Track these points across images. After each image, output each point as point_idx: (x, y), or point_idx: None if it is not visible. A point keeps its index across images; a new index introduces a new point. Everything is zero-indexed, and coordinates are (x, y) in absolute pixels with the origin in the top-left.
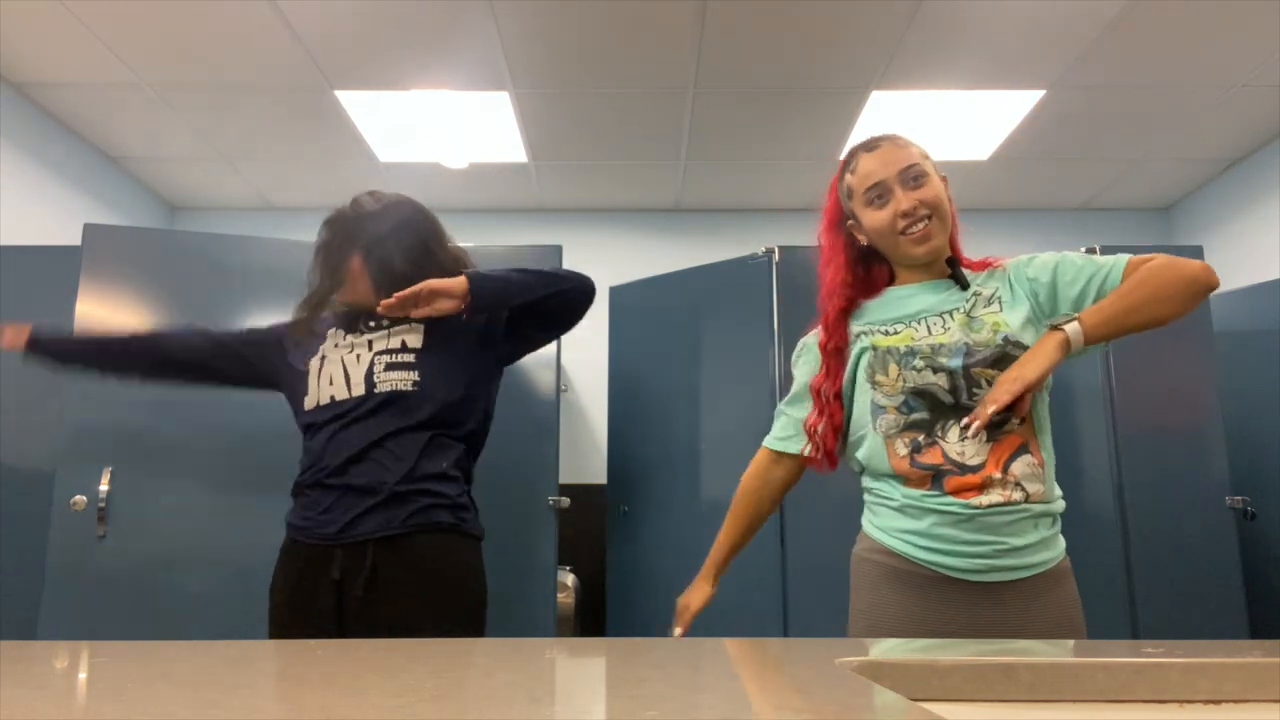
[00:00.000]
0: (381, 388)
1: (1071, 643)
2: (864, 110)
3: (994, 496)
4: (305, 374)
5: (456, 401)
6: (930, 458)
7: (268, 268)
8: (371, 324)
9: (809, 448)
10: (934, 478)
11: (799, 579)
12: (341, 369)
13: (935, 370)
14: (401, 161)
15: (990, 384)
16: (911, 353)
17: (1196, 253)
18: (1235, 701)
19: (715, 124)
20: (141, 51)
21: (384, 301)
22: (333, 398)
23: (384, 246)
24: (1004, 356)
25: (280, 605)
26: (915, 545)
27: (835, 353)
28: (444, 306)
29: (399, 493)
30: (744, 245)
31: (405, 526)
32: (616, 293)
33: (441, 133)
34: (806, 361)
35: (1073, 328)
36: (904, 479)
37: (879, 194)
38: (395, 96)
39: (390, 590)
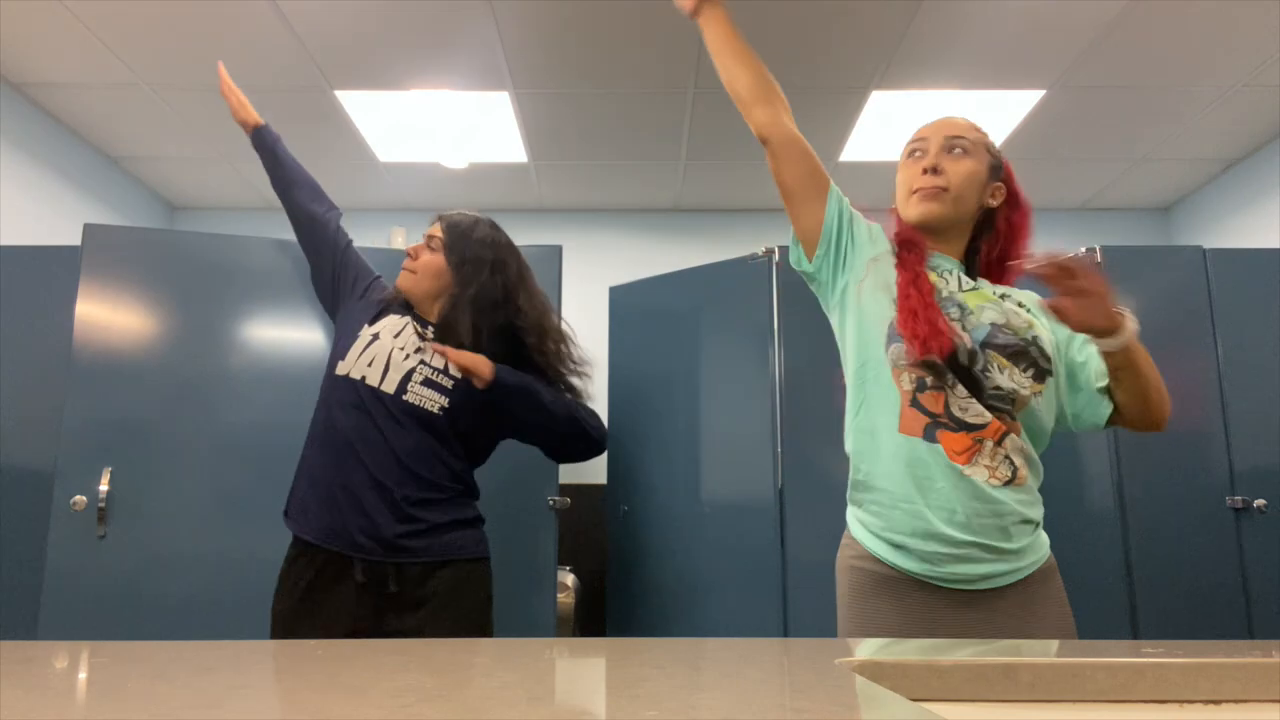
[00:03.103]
0: (409, 398)
1: (1072, 643)
2: (864, 110)
3: (979, 470)
4: (356, 336)
5: (470, 437)
6: (931, 403)
7: (268, 268)
8: (428, 330)
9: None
10: (928, 425)
11: (799, 579)
12: (386, 357)
13: (964, 328)
14: (401, 161)
15: (1001, 370)
16: (949, 299)
17: (1196, 253)
18: (1235, 701)
19: (715, 124)
20: (141, 51)
21: (436, 345)
22: (364, 378)
23: (488, 270)
24: (1024, 353)
25: (291, 607)
26: (905, 556)
27: (919, 258)
28: (475, 379)
29: (420, 511)
30: (744, 245)
31: (427, 556)
32: (616, 293)
33: (441, 133)
34: (869, 231)
35: (1132, 324)
36: (901, 418)
37: (917, 148)
38: (395, 96)
39: (431, 615)
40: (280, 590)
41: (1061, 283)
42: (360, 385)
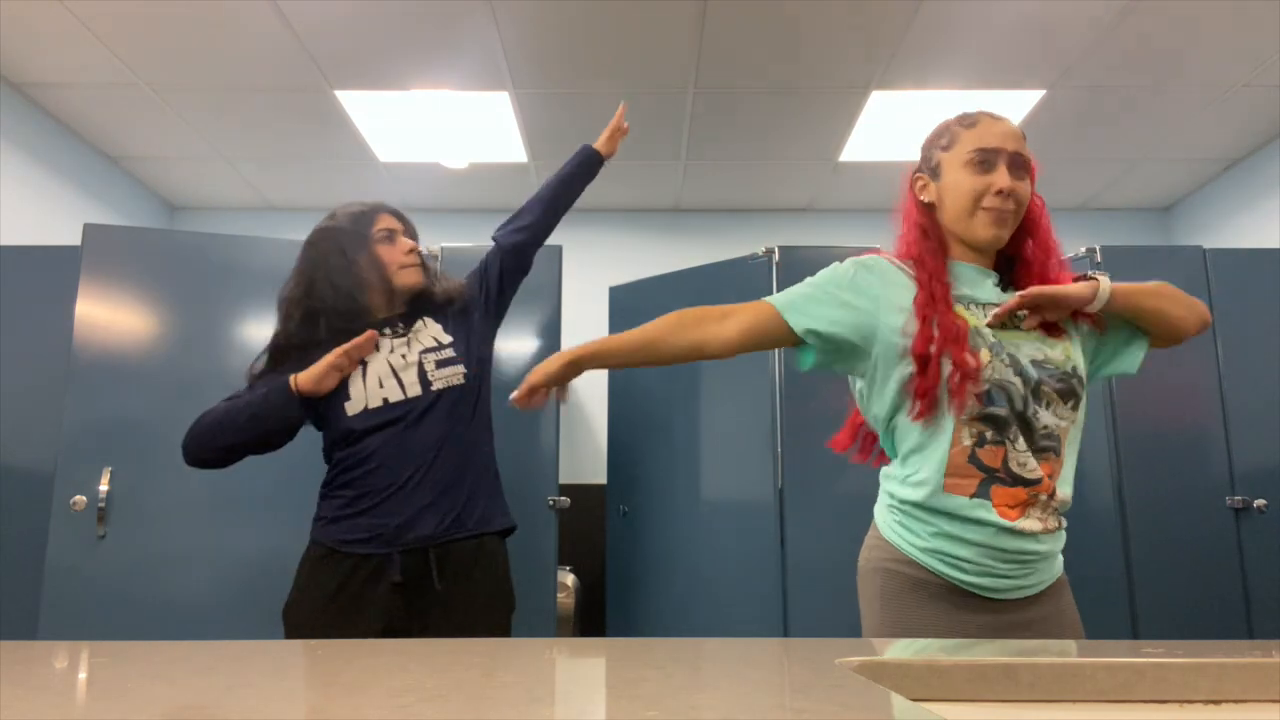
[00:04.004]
0: (438, 385)
1: (1072, 643)
2: (864, 110)
3: (1032, 522)
4: (344, 382)
5: (485, 382)
6: (990, 459)
7: (267, 268)
8: (388, 330)
9: (914, 405)
10: (982, 482)
11: (799, 579)
12: (390, 371)
13: (1017, 372)
14: (401, 161)
15: (1049, 406)
16: (1000, 344)
17: (1196, 253)
18: (1235, 701)
19: (715, 124)
20: (141, 51)
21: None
22: (385, 400)
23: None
24: (1069, 389)
25: (319, 610)
26: (950, 565)
27: (945, 303)
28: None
29: (470, 496)
30: (744, 245)
31: (474, 529)
32: (616, 293)
33: (441, 133)
34: (871, 281)
35: (1105, 280)
36: (950, 479)
37: (986, 159)
38: (395, 96)
39: (465, 594)
40: (301, 592)
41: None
42: (384, 409)
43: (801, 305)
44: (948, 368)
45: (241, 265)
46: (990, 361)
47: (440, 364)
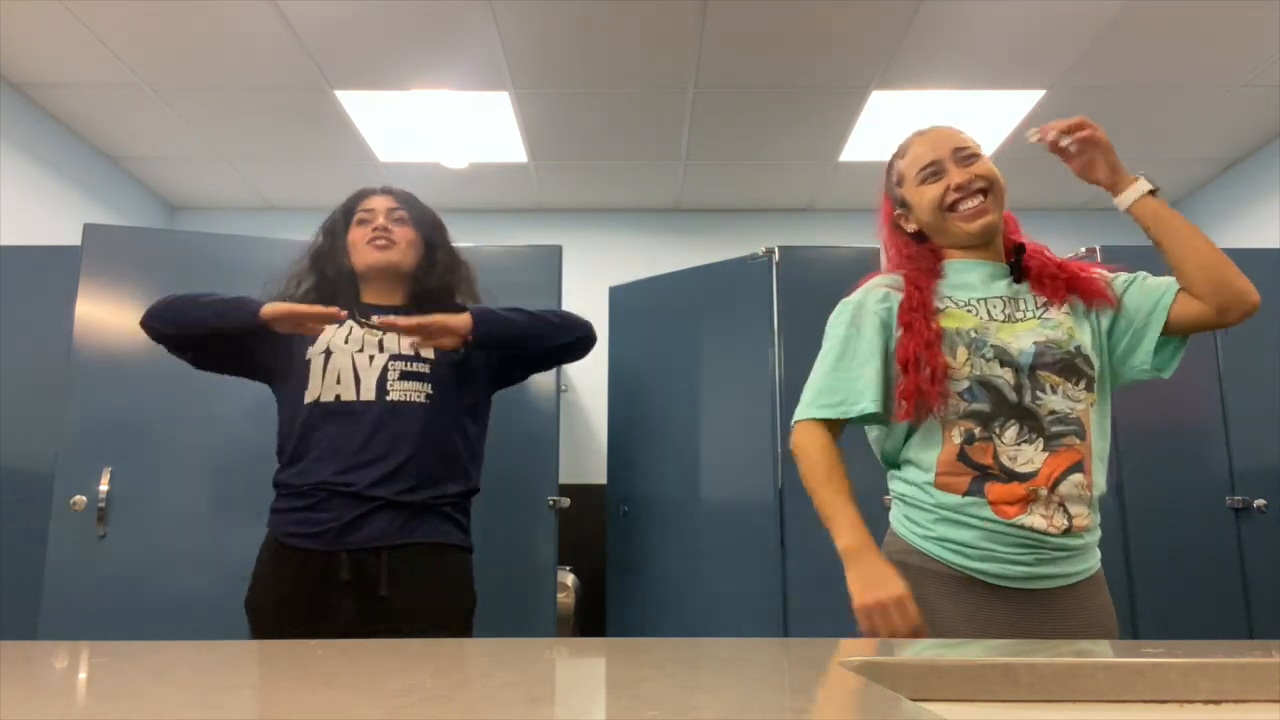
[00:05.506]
0: (393, 396)
1: (1072, 643)
2: (864, 110)
3: (1035, 519)
4: (307, 364)
5: (463, 417)
6: (980, 455)
7: (267, 268)
8: (360, 320)
9: (894, 408)
10: (974, 479)
11: (799, 579)
12: (351, 368)
13: (1003, 364)
14: (401, 161)
15: (1054, 390)
16: (982, 340)
17: None
18: (1235, 701)
19: (715, 124)
20: (141, 51)
21: (382, 319)
22: (338, 397)
23: (441, 238)
24: (1071, 366)
25: (271, 609)
26: (953, 551)
27: (922, 309)
28: (446, 344)
29: (411, 505)
30: (744, 245)
31: (415, 538)
32: (616, 293)
33: (441, 133)
34: (860, 320)
35: (1143, 183)
36: (941, 476)
37: (932, 169)
38: (395, 96)
39: (415, 600)
40: (258, 587)
41: (1070, 134)
42: (334, 405)
43: (830, 395)
44: (925, 370)
45: (241, 265)
46: (969, 359)
47: (404, 375)
